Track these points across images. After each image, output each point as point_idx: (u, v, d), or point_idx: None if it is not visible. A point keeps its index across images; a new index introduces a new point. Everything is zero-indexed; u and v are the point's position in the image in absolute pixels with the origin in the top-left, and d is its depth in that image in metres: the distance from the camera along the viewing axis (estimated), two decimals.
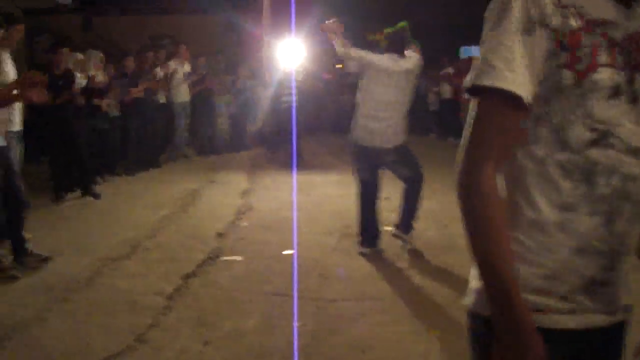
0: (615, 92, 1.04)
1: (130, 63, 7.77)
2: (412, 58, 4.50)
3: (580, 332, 1.08)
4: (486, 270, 1.04)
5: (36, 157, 6.98)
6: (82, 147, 6.38)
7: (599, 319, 1.09)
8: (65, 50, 6.29)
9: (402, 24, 4.56)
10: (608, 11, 1.06)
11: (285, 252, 4.70)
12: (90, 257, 4.49)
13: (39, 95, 4.01)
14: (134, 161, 7.95)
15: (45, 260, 4.29)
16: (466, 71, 8.94)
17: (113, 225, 5.42)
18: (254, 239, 5.11)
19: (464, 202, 1.07)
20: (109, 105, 7.23)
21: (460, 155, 1.08)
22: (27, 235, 4.28)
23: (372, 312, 3.62)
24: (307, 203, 6.38)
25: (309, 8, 10.04)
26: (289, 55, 8.86)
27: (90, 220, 5.65)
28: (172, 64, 9.03)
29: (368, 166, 4.58)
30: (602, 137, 1.05)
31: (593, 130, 1.04)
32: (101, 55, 7.43)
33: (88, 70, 6.93)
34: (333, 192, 6.99)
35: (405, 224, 4.64)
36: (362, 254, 4.59)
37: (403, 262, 4.48)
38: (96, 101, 6.91)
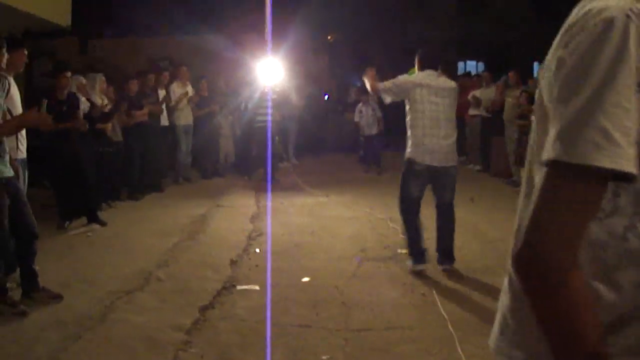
0: None
1: (133, 86, 7.64)
2: (449, 80, 4.62)
3: None
4: None
5: (38, 181, 6.79)
6: (88, 172, 6.21)
7: None
8: (68, 74, 6.15)
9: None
10: None
11: (304, 279, 4.55)
12: (101, 290, 4.29)
13: (44, 123, 3.92)
14: (137, 186, 7.78)
15: (57, 298, 4.05)
16: (464, 87, 8.78)
17: (122, 255, 5.22)
18: (269, 266, 4.95)
19: (545, 301, 0.86)
20: (114, 129, 7.08)
21: (533, 238, 0.86)
22: (37, 267, 4.09)
23: (401, 342, 3.48)
24: (318, 227, 6.25)
25: (288, 27, 10.06)
26: (266, 74, 8.80)
27: (98, 250, 5.44)
28: (175, 87, 8.92)
29: (420, 185, 4.57)
30: None
31: None
32: (103, 78, 7.30)
33: (92, 93, 6.79)
34: (344, 214, 6.86)
35: (449, 254, 4.63)
36: (416, 272, 4.55)
37: (426, 287, 4.34)
38: (100, 125, 6.76)
